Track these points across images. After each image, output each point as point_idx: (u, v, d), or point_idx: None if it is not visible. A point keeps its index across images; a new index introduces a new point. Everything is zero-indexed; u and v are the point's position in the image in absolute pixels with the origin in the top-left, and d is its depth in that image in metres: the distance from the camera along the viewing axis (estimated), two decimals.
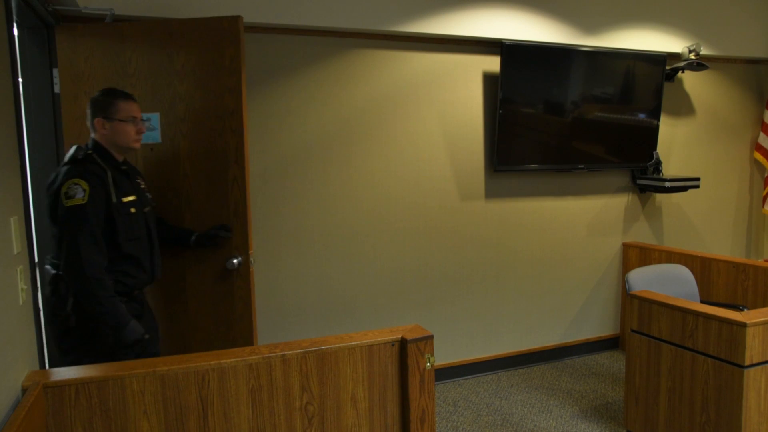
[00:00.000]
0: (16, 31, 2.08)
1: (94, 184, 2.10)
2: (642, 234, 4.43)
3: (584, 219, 4.19)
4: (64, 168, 2.13)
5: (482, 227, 3.86)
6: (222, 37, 2.64)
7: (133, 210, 2.23)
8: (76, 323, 2.12)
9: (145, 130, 2.35)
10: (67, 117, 2.64)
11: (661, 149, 4.31)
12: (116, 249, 2.19)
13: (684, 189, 4.19)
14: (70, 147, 2.21)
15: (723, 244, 4.81)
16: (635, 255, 4.23)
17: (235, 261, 2.68)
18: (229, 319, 2.75)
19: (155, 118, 2.66)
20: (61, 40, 2.60)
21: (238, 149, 2.68)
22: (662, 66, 4.09)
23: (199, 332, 2.75)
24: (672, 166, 4.46)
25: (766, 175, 4.75)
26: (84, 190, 2.08)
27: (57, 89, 2.67)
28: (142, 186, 2.41)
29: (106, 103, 2.22)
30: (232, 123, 2.67)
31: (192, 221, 2.71)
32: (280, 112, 3.28)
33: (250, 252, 2.70)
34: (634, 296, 2.88)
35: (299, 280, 3.37)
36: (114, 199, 2.16)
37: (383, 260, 3.59)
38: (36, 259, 2.18)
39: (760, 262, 3.71)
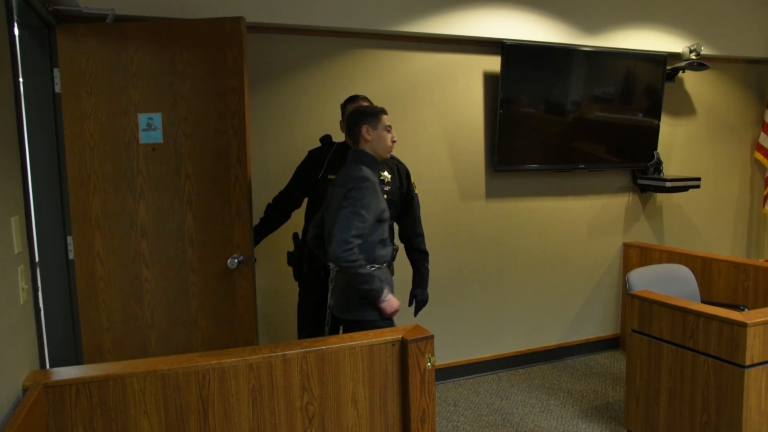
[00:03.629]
0: (16, 31, 2.08)
1: (307, 160, 2.86)
2: (642, 234, 4.42)
3: (585, 219, 4.19)
4: None
5: (483, 227, 3.86)
6: (224, 38, 2.64)
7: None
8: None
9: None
10: (69, 116, 2.63)
11: (662, 149, 4.31)
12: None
13: (685, 189, 4.18)
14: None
15: (723, 244, 4.81)
16: (636, 255, 4.23)
17: (236, 260, 2.68)
18: (230, 320, 2.74)
19: (157, 118, 2.67)
20: (62, 39, 2.60)
21: (240, 149, 2.67)
22: (663, 66, 4.09)
23: (200, 332, 2.74)
24: (672, 166, 4.46)
25: (766, 175, 4.74)
26: (304, 161, 2.88)
27: (57, 89, 2.67)
28: (381, 177, 2.72)
29: (342, 106, 2.86)
30: (234, 123, 2.67)
31: (193, 221, 2.71)
32: (281, 112, 3.28)
33: (252, 251, 2.69)
34: (634, 296, 2.88)
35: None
36: (319, 176, 2.76)
37: None
38: (36, 259, 2.19)
39: (760, 262, 3.71)
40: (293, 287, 2.99)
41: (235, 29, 2.62)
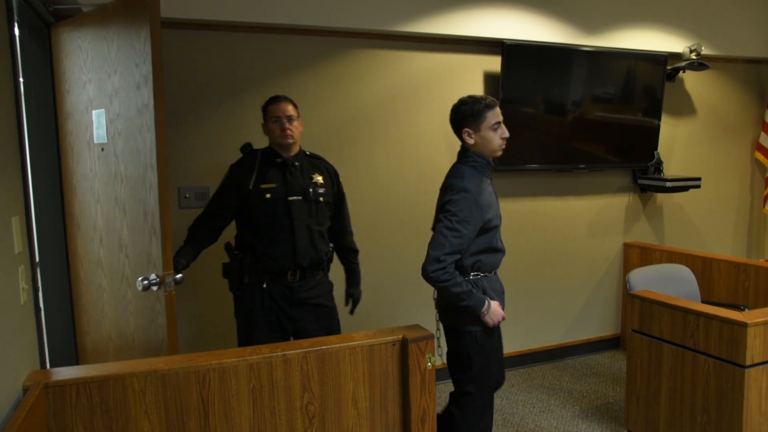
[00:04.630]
0: (16, 31, 2.08)
1: (233, 175, 2.61)
2: (643, 234, 4.42)
3: (585, 219, 4.19)
4: None
5: None
6: (137, 17, 2.14)
7: (268, 195, 2.55)
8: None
9: (288, 128, 2.57)
10: (59, 116, 2.61)
11: (662, 149, 4.31)
12: (254, 227, 2.58)
13: (685, 189, 4.18)
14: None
15: (724, 244, 4.80)
16: (636, 255, 4.23)
17: (146, 282, 2.13)
18: (154, 348, 2.29)
19: (102, 114, 2.36)
20: (54, 38, 2.56)
21: (152, 150, 2.14)
22: (663, 66, 4.09)
23: (138, 354, 2.35)
24: (673, 166, 4.46)
25: (766, 175, 4.74)
26: (228, 178, 2.63)
27: None
28: (315, 180, 2.64)
29: (263, 108, 2.64)
30: (146, 119, 2.15)
31: (127, 231, 2.32)
32: None
33: (166, 273, 2.12)
34: (635, 296, 2.88)
35: None
36: (251, 186, 2.55)
37: (384, 260, 3.59)
38: (37, 259, 2.18)
39: (761, 262, 3.71)
40: None
41: (143, 4, 2.09)
